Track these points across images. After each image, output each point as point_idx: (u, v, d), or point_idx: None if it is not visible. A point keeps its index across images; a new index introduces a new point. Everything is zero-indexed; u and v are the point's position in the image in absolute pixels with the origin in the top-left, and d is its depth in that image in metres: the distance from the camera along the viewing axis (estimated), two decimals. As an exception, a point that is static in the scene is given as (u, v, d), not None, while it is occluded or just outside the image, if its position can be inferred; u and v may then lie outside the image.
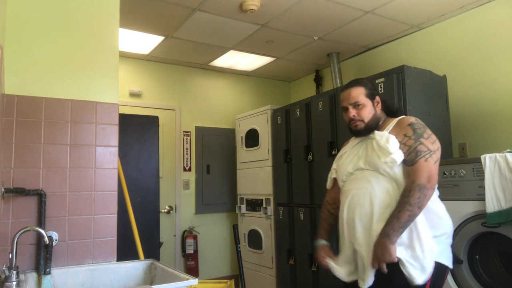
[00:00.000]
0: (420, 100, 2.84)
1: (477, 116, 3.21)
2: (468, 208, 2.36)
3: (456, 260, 2.39)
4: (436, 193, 1.71)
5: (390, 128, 1.77)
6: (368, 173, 1.73)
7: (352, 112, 1.80)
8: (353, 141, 1.94)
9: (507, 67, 3.05)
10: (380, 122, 1.83)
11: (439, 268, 1.62)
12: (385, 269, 1.57)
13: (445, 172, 2.53)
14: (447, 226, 1.71)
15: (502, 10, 3.11)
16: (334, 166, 1.99)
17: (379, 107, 1.84)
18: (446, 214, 1.74)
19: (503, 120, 3.05)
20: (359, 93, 1.80)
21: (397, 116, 1.84)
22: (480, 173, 2.34)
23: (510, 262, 2.36)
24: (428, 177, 1.60)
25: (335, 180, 1.99)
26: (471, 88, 3.27)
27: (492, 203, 2.22)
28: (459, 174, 2.46)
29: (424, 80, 2.93)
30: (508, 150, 2.31)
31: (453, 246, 1.73)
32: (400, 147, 1.67)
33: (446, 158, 2.94)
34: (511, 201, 2.17)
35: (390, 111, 1.89)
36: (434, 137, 1.70)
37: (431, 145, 1.66)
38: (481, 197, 2.29)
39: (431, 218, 1.65)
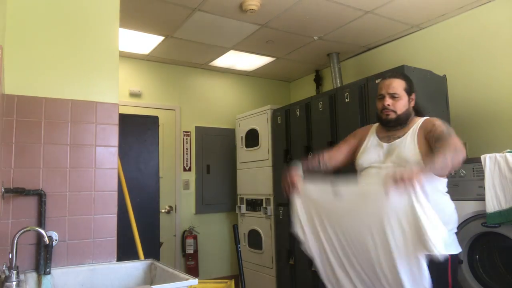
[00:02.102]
0: (420, 100, 2.78)
1: (477, 116, 3.21)
2: (468, 208, 2.36)
3: (456, 260, 2.39)
4: (447, 193, 1.81)
5: (417, 129, 1.82)
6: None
7: (388, 101, 1.85)
8: (373, 135, 1.97)
9: (507, 67, 3.05)
10: (409, 119, 1.89)
11: (454, 259, 1.72)
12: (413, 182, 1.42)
13: (445, 172, 2.53)
14: (455, 218, 1.79)
15: (502, 10, 3.11)
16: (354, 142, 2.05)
17: (412, 104, 1.91)
18: (453, 206, 1.80)
19: (503, 120, 3.05)
20: (399, 85, 1.86)
21: (422, 116, 1.91)
22: (480, 173, 2.34)
23: (510, 262, 2.36)
24: (461, 144, 1.64)
25: (346, 146, 2.05)
26: (471, 88, 3.27)
27: (492, 203, 2.23)
28: (459, 174, 2.46)
29: (424, 80, 2.93)
30: (508, 150, 2.32)
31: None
32: (429, 136, 1.74)
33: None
34: (511, 201, 2.17)
35: (418, 112, 1.95)
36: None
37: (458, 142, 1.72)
38: (481, 197, 2.29)
39: (441, 213, 1.64)
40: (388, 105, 1.85)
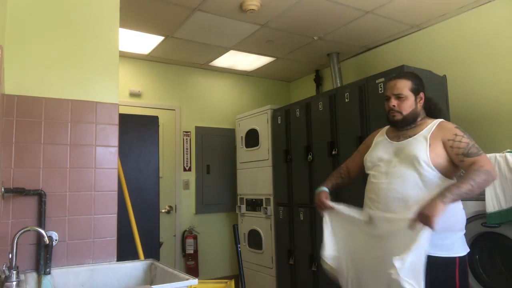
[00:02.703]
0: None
1: (477, 116, 3.21)
2: (468, 208, 2.35)
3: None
4: None
5: (432, 131, 1.79)
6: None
7: (393, 102, 1.85)
8: (382, 135, 2.00)
9: (507, 67, 3.05)
10: (419, 119, 1.87)
11: (461, 261, 1.72)
12: (431, 225, 1.52)
13: (445, 172, 2.53)
14: (464, 218, 1.81)
15: (502, 10, 3.11)
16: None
17: (421, 103, 1.88)
18: (461, 206, 1.81)
19: (503, 120, 3.05)
20: (404, 86, 1.85)
21: (436, 118, 1.88)
22: (480, 173, 2.34)
23: (510, 262, 2.36)
24: (493, 167, 1.67)
25: (359, 154, 2.10)
26: (471, 88, 3.27)
27: (492, 203, 2.23)
28: (459, 174, 2.45)
29: (424, 80, 2.91)
30: (508, 150, 2.32)
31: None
32: (450, 145, 1.74)
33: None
34: (511, 201, 2.17)
35: (431, 111, 1.92)
36: None
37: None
38: (481, 197, 2.29)
39: (453, 216, 1.73)
40: (394, 106, 1.85)
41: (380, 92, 2.82)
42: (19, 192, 1.64)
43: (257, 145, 4.17)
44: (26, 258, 1.66)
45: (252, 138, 4.28)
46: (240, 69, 4.91)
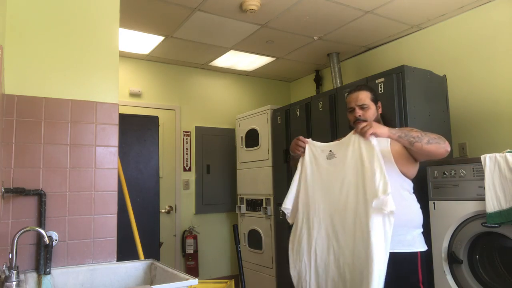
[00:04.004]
0: (420, 100, 2.84)
1: (477, 116, 3.21)
2: (468, 208, 2.36)
3: (456, 260, 2.39)
4: (413, 193, 1.95)
5: None
6: None
7: (359, 112, 2.02)
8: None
9: (507, 67, 3.05)
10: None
11: (423, 256, 1.87)
12: (367, 131, 1.71)
13: (445, 172, 2.53)
14: (421, 217, 1.95)
15: (502, 10, 3.11)
16: None
17: (379, 111, 2.08)
18: (418, 206, 1.95)
19: (503, 120, 3.05)
20: (366, 96, 2.03)
21: (389, 124, 2.00)
22: (480, 173, 2.34)
23: (510, 262, 2.36)
24: (447, 144, 1.79)
25: None
26: (471, 88, 3.27)
27: (492, 203, 2.22)
28: (459, 174, 2.46)
29: (424, 80, 2.93)
30: (508, 150, 2.31)
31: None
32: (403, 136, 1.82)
33: (446, 158, 2.94)
34: (511, 201, 2.17)
35: (384, 118, 2.13)
36: None
37: None
38: (481, 197, 2.28)
39: (406, 209, 1.87)
40: (360, 115, 2.00)
41: (380, 92, 2.82)
42: (19, 192, 1.64)
43: (257, 145, 4.17)
44: (26, 258, 1.66)
45: (252, 138, 4.28)
46: (240, 69, 4.91)
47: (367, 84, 2.19)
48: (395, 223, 1.66)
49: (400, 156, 1.88)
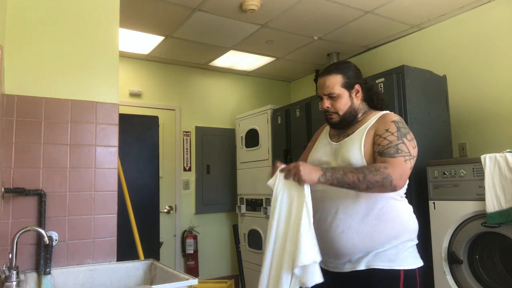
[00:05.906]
0: (420, 100, 2.84)
1: (477, 116, 3.21)
2: (468, 208, 2.36)
3: (456, 260, 2.39)
4: (402, 197, 1.59)
5: (371, 124, 1.58)
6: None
7: (326, 103, 1.64)
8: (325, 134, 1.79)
9: (507, 67, 3.05)
10: (360, 115, 1.65)
11: (407, 275, 1.47)
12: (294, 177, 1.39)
13: (445, 172, 2.53)
14: (413, 226, 1.57)
15: (502, 10, 3.11)
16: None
17: (358, 97, 1.64)
18: (410, 212, 1.59)
19: (503, 120, 3.05)
20: (334, 83, 1.61)
21: (379, 110, 1.67)
22: (480, 173, 2.34)
23: (510, 262, 2.37)
24: (400, 176, 1.41)
25: (307, 153, 1.85)
26: (471, 88, 3.27)
27: (492, 203, 2.22)
28: (459, 174, 2.46)
29: (424, 80, 2.93)
30: (508, 150, 2.31)
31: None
32: (375, 141, 1.52)
33: (446, 158, 2.94)
34: (511, 201, 2.17)
35: (373, 102, 1.69)
36: (415, 142, 1.54)
37: (412, 150, 1.49)
38: (481, 197, 2.29)
39: (396, 221, 1.52)
40: (328, 107, 1.64)
41: (380, 92, 2.82)
42: (19, 192, 1.65)
43: (257, 145, 4.17)
44: (26, 258, 1.66)
45: (252, 138, 4.28)
46: (240, 69, 4.91)
47: (340, 63, 1.69)
48: (381, 239, 1.45)
49: (371, 160, 1.52)
